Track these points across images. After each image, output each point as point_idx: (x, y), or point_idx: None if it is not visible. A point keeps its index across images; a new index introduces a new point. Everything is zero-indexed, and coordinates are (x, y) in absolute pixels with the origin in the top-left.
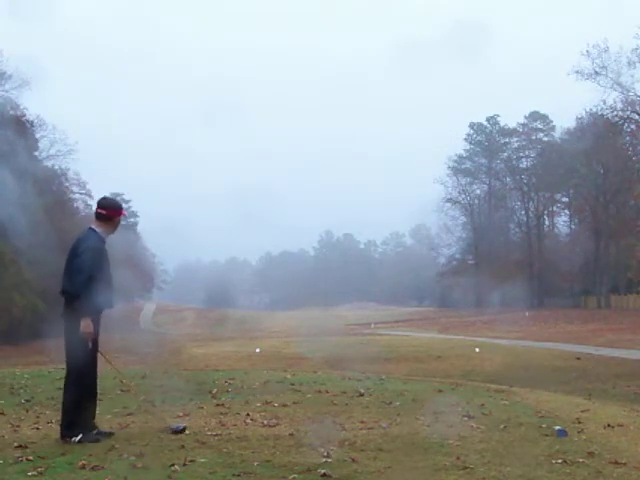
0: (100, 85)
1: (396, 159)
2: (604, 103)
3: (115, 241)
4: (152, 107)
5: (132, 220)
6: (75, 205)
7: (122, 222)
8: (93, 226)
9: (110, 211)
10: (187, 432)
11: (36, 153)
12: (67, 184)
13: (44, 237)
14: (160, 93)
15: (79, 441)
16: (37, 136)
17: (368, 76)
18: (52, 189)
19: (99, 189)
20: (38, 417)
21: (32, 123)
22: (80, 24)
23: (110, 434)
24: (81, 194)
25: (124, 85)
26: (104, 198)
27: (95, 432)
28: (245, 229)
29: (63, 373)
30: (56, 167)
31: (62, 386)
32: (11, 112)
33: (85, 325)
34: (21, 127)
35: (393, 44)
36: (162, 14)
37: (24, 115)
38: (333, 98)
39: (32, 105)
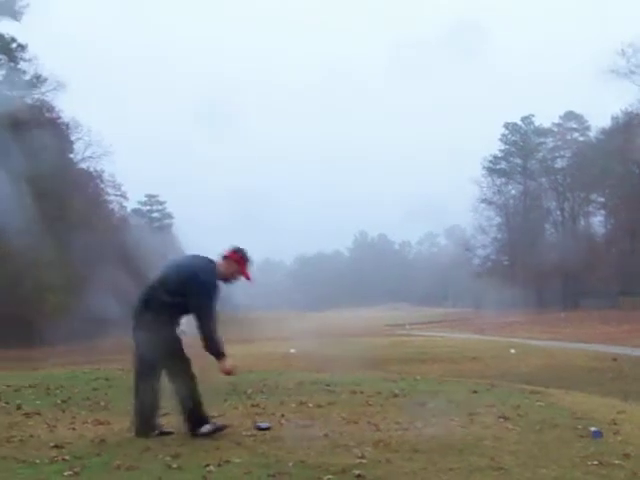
0: (100, 86)
1: (430, 160)
2: None
3: (152, 243)
4: (159, 109)
5: (167, 222)
6: (110, 207)
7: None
8: (217, 262)
9: (234, 255)
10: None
11: (72, 155)
12: (102, 186)
13: (79, 238)
14: (169, 97)
15: (207, 432)
16: (72, 138)
17: (407, 79)
18: (88, 191)
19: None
20: (74, 417)
21: (67, 125)
22: (83, 26)
23: (170, 433)
24: (116, 196)
25: (127, 87)
26: (240, 247)
27: (157, 432)
28: (279, 230)
29: (98, 374)
30: (91, 169)
31: (98, 387)
32: (47, 114)
33: (228, 365)
34: (57, 129)
35: (429, 41)
36: (163, 16)
37: (59, 117)
38: (367, 102)
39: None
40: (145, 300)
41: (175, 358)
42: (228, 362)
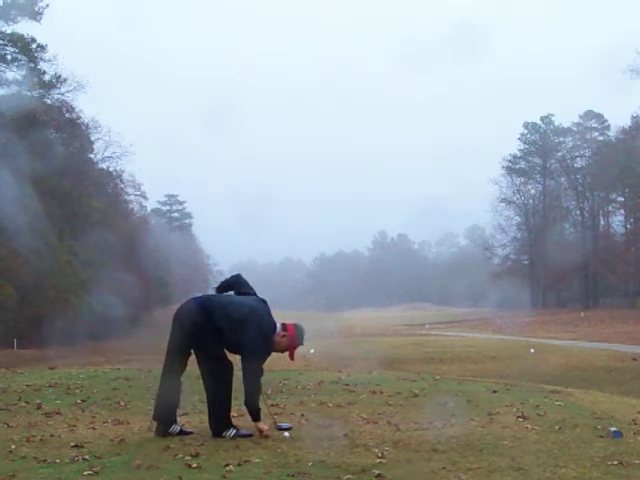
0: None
1: (450, 160)
2: None
3: (173, 242)
4: (173, 111)
5: (187, 221)
6: (130, 207)
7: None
8: (279, 325)
9: (292, 333)
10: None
11: (92, 155)
12: (122, 185)
13: (99, 238)
14: (182, 99)
15: (232, 436)
16: (92, 138)
17: (425, 81)
18: (107, 191)
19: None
20: (94, 417)
21: (87, 125)
22: (102, 29)
23: (190, 433)
24: (136, 195)
25: (142, 89)
26: (301, 327)
27: (177, 430)
28: (299, 230)
29: (118, 373)
30: (111, 169)
31: (118, 387)
32: (67, 115)
33: (262, 427)
34: (77, 129)
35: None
36: (168, 20)
37: (79, 117)
38: (386, 104)
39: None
40: (206, 309)
41: (216, 360)
42: (262, 426)
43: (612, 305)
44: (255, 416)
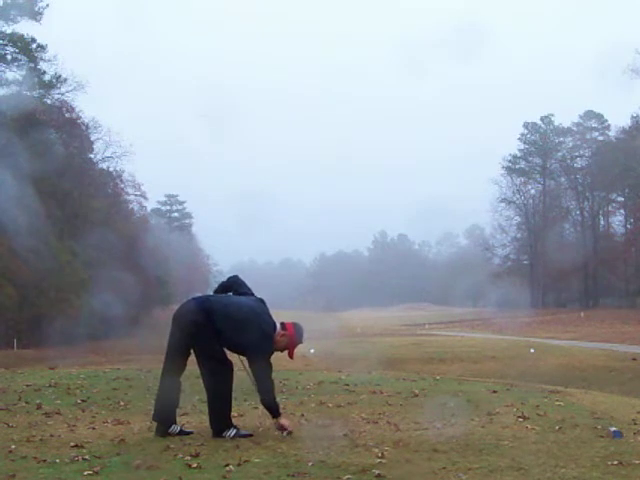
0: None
1: (450, 161)
2: None
3: (173, 242)
4: (173, 112)
5: (187, 222)
6: (130, 207)
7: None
8: (278, 325)
9: (292, 332)
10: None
11: (92, 155)
12: (122, 185)
13: (99, 238)
14: (182, 100)
15: (232, 436)
16: (92, 138)
17: (425, 81)
18: (107, 191)
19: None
20: (94, 417)
21: (87, 125)
22: (89, 28)
23: (190, 432)
24: (136, 195)
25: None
26: (300, 326)
27: (177, 430)
28: (298, 230)
29: (118, 373)
30: (111, 169)
31: (117, 387)
32: (67, 115)
33: (285, 422)
34: (77, 129)
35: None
36: (169, 21)
37: (79, 117)
38: (385, 105)
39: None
40: (206, 309)
41: (216, 360)
42: (284, 421)
43: (612, 305)
44: (275, 412)
